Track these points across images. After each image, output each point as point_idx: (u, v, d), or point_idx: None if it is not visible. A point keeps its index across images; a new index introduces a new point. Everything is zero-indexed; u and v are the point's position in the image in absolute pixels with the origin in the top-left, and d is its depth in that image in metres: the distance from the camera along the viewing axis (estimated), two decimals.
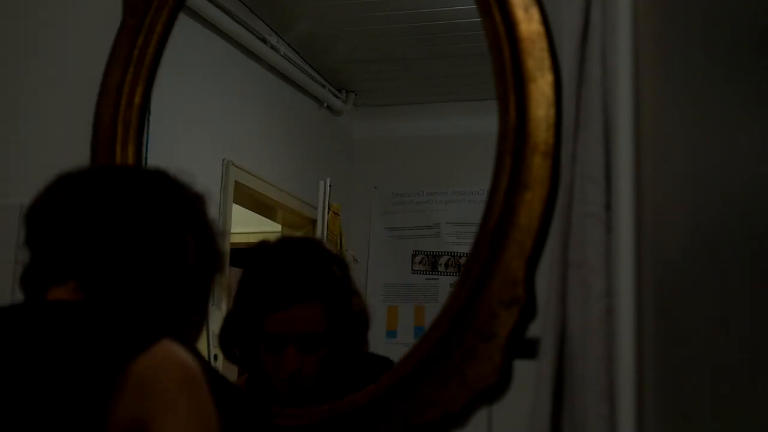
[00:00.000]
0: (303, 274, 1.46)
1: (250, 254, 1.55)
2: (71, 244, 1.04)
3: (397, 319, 1.89)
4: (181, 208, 1.10)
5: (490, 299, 1.28)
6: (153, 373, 0.94)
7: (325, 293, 1.45)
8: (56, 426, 0.91)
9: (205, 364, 1.53)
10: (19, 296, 1.08)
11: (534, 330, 1.26)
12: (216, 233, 1.14)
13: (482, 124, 1.50)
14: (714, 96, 0.90)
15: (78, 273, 1.03)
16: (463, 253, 1.72)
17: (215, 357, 1.79)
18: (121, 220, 1.04)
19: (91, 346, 0.95)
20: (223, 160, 1.89)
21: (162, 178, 1.12)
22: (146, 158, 1.61)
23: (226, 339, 1.54)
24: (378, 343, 1.90)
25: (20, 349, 0.97)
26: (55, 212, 1.05)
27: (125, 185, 1.09)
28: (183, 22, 1.64)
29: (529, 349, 1.24)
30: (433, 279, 1.89)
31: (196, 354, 1.11)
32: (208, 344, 1.77)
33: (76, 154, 1.62)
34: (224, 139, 1.96)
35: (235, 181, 1.91)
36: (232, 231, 1.89)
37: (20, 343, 0.98)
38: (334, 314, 1.44)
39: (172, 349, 0.97)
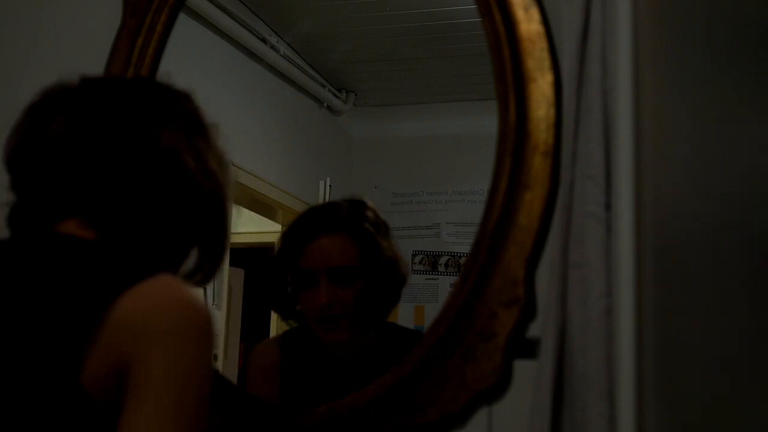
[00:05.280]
0: (333, 209, 1.53)
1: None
2: (78, 175, 0.95)
3: (397, 319, 1.89)
4: (181, 111, 1.02)
5: (490, 299, 1.28)
6: (143, 312, 0.85)
7: (354, 227, 1.49)
8: (27, 361, 0.84)
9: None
10: None
11: (534, 330, 1.26)
12: (216, 138, 1.06)
13: (482, 124, 1.50)
14: (714, 95, 0.90)
15: (83, 203, 0.95)
16: (463, 253, 1.72)
17: (215, 357, 1.79)
18: (125, 140, 0.96)
19: (76, 279, 0.88)
20: None
21: (149, 84, 1.04)
22: None
23: (270, 282, 1.57)
24: None
25: (8, 281, 0.90)
26: (52, 147, 0.95)
27: (115, 101, 0.99)
28: (183, 22, 1.64)
29: (529, 349, 1.24)
30: (433, 279, 1.89)
31: None
32: None
33: None
34: (224, 139, 1.95)
35: (235, 181, 1.91)
36: (232, 231, 1.89)
37: (10, 274, 0.90)
38: (364, 250, 1.48)
39: (172, 285, 0.89)
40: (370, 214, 1.52)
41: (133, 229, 0.96)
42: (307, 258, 1.49)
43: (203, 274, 1.03)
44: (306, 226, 1.53)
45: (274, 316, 1.95)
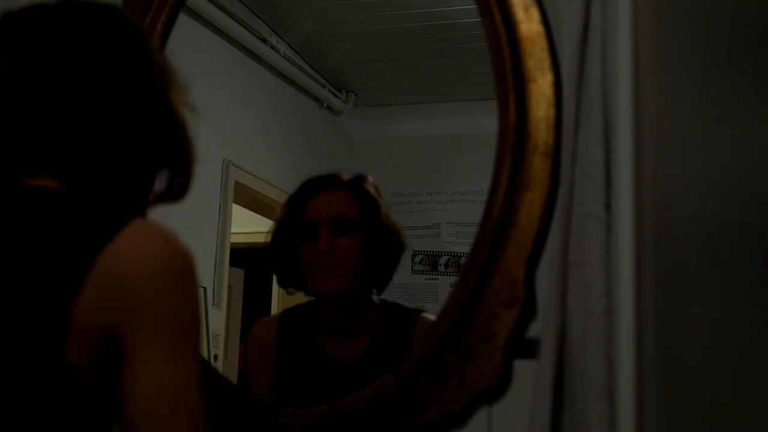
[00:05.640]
0: (334, 173, 1.59)
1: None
2: (25, 118, 0.90)
3: None
4: (113, 31, 0.95)
5: (490, 299, 1.28)
6: (126, 269, 0.83)
7: (354, 186, 1.56)
8: (7, 336, 0.82)
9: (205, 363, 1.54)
10: None
11: (534, 330, 1.26)
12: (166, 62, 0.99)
13: (482, 124, 1.50)
14: (714, 95, 0.90)
15: (39, 150, 0.90)
16: (463, 253, 1.72)
17: (215, 357, 1.79)
18: (61, 74, 0.90)
19: (51, 240, 0.84)
20: (223, 160, 1.89)
21: (75, 8, 0.96)
22: None
23: (275, 245, 1.61)
24: None
25: None
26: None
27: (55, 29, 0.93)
28: (183, 22, 1.64)
29: (529, 349, 1.24)
30: (433, 279, 1.89)
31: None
32: (207, 344, 1.78)
33: None
34: (224, 139, 1.96)
35: (235, 181, 1.91)
36: (232, 231, 1.89)
37: None
38: (364, 204, 1.54)
39: (147, 232, 0.86)
40: (370, 180, 1.59)
41: (91, 167, 0.92)
42: (309, 211, 1.55)
43: (176, 192, 0.99)
44: (308, 186, 1.59)
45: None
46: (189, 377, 0.84)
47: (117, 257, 0.84)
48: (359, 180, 1.58)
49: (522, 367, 1.26)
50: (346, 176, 1.58)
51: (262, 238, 1.62)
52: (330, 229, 1.52)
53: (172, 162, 0.97)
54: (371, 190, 1.56)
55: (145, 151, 0.95)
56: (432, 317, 1.50)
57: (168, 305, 0.84)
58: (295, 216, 1.57)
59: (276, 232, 1.61)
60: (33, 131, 0.92)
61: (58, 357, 0.82)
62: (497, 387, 1.27)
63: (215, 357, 1.79)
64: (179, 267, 0.86)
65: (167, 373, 0.83)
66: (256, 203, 2.00)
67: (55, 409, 0.83)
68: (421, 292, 1.87)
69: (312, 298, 1.59)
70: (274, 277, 1.94)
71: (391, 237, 1.56)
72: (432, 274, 1.89)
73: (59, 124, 0.91)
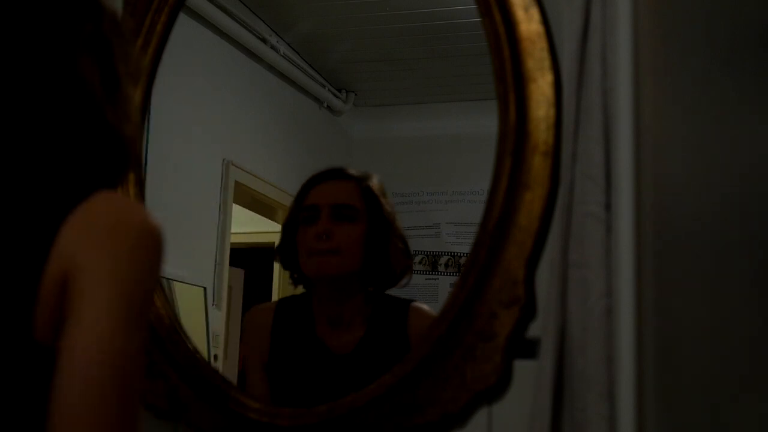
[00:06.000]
0: (341, 167, 1.60)
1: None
2: None
3: None
4: None
5: (490, 299, 1.28)
6: (89, 225, 0.80)
7: (359, 180, 1.56)
8: None
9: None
10: None
11: (534, 330, 1.26)
12: None
13: (482, 124, 1.50)
14: (714, 95, 0.90)
15: None
16: (463, 253, 1.72)
17: (215, 357, 1.80)
18: None
19: (13, 228, 0.81)
20: (223, 160, 1.89)
21: None
22: (146, 158, 1.61)
23: (282, 238, 1.62)
24: None
25: None
26: None
27: None
28: (183, 22, 1.64)
29: (529, 349, 1.24)
30: (433, 279, 1.89)
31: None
32: (208, 344, 1.78)
33: None
34: (224, 139, 1.96)
35: (235, 181, 1.91)
36: (232, 231, 1.89)
37: None
38: (367, 198, 1.54)
39: (110, 200, 0.84)
40: (375, 180, 1.59)
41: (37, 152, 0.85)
42: (311, 196, 1.56)
43: (110, 180, 0.91)
44: (314, 177, 1.59)
45: None
46: (127, 342, 0.79)
47: (80, 222, 0.81)
48: (365, 177, 1.58)
49: (522, 367, 1.26)
50: (353, 171, 1.59)
51: (262, 238, 1.62)
52: (331, 213, 1.52)
53: (90, 143, 0.88)
54: (375, 188, 1.57)
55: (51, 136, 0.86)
56: (425, 306, 1.52)
57: (116, 265, 0.80)
58: (298, 202, 1.58)
59: (284, 227, 1.61)
60: None
61: (27, 336, 0.79)
62: (497, 387, 1.27)
63: (215, 357, 1.79)
64: (136, 235, 0.82)
65: (103, 333, 0.78)
66: (256, 203, 2.00)
67: (28, 389, 0.80)
68: (421, 292, 1.87)
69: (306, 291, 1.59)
70: (275, 278, 1.95)
71: (393, 234, 1.56)
72: (432, 274, 1.89)
73: None
